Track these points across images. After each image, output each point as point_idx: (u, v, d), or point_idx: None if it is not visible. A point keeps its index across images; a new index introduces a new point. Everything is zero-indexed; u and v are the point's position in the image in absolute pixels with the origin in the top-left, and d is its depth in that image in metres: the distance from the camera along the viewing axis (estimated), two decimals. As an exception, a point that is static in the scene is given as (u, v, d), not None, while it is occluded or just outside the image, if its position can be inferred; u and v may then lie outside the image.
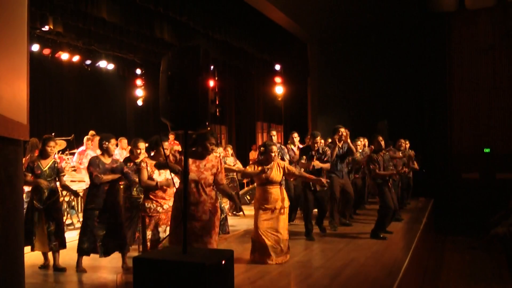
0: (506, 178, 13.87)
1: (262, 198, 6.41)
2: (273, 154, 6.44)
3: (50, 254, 6.31)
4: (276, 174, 6.42)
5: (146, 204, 5.91)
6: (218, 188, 5.34)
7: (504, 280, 9.27)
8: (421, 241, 8.83)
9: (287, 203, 6.49)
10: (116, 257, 6.28)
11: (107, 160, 6.22)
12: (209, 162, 5.23)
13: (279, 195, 6.41)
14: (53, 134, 10.96)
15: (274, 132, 9.65)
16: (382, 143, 8.48)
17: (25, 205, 6.10)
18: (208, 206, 5.16)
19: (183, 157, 5.25)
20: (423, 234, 9.16)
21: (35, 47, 13.13)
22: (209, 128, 4.11)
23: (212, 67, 14.13)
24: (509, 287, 8.81)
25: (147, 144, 6.51)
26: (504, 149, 14.10)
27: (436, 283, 9.11)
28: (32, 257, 6.28)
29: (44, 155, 6.37)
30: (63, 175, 6.59)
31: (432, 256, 11.08)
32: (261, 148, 6.66)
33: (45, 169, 6.28)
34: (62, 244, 6.30)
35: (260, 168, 6.42)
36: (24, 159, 8.40)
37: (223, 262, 3.67)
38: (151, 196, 5.89)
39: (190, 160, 5.17)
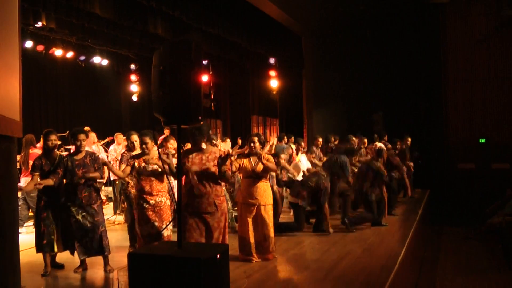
0: (502, 168, 13.91)
1: (247, 192, 6.12)
2: (252, 145, 6.16)
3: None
4: (261, 167, 6.13)
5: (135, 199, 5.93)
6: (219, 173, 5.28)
7: (500, 269, 9.31)
8: (417, 232, 8.85)
9: (271, 200, 6.22)
10: (111, 255, 6.24)
11: (78, 156, 5.96)
12: (211, 154, 5.22)
13: (264, 190, 6.14)
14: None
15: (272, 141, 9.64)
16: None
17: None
18: (213, 198, 5.12)
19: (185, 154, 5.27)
20: (419, 225, 9.19)
21: (29, 44, 13.05)
22: (202, 122, 4.10)
23: (206, 61, 14.10)
24: (505, 276, 8.85)
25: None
26: (500, 139, 14.12)
27: (433, 273, 9.15)
28: (27, 255, 6.21)
29: (47, 150, 6.10)
30: None
31: (429, 247, 11.13)
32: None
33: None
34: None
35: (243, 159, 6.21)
36: (18, 156, 8.36)
37: (218, 256, 3.68)
38: (138, 192, 5.87)
39: (194, 153, 5.18)
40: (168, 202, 5.85)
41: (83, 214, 5.82)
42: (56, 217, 6.00)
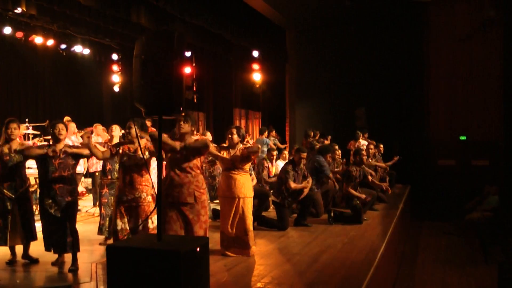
0: (481, 165, 14.08)
1: (226, 185, 6.01)
2: (230, 136, 6.09)
3: (17, 248, 5.97)
4: (242, 161, 6.04)
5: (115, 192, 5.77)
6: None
7: (477, 263, 9.43)
8: (398, 227, 8.90)
9: (250, 193, 6.10)
10: (90, 248, 6.16)
11: (59, 146, 5.73)
12: (190, 143, 5.16)
13: (244, 182, 6.02)
14: (27, 120, 10.78)
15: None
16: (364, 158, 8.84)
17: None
18: (193, 189, 5.06)
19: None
20: (399, 220, 9.24)
21: (7, 30, 12.79)
22: (183, 114, 4.05)
23: (189, 53, 14.01)
24: (483, 270, 8.95)
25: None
26: (480, 137, 14.28)
27: (412, 267, 9.22)
28: (2, 248, 6.01)
29: (8, 139, 5.85)
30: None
31: (409, 242, 11.21)
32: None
33: (13, 154, 5.81)
34: (33, 236, 5.94)
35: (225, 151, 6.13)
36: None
37: (198, 249, 3.64)
38: (118, 184, 5.70)
39: (177, 141, 5.13)
40: (150, 198, 5.61)
41: (56, 207, 5.58)
42: (15, 209, 5.80)
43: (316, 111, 15.61)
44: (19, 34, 13.51)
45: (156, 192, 3.80)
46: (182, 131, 5.20)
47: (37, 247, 5.95)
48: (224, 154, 6.11)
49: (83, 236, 5.98)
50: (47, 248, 5.73)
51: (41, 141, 11.03)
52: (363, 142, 12.27)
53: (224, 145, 6.25)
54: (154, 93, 3.70)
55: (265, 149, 12.28)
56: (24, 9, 10.97)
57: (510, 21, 13.59)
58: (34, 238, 5.97)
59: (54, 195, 5.58)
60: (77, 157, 5.79)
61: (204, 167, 8.98)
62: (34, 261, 5.94)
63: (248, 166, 6.22)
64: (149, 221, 5.59)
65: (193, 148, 5.19)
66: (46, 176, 5.61)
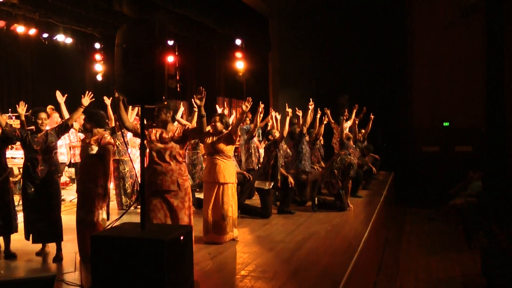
0: (465, 151, 14.23)
1: (208, 170, 6.08)
2: (217, 124, 6.15)
3: (0, 239, 5.86)
4: (223, 144, 6.09)
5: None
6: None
7: (461, 249, 9.56)
8: (382, 213, 8.98)
9: (232, 179, 6.11)
10: (74, 238, 6.11)
11: (38, 135, 5.66)
12: (172, 132, 5.15)
13: (225, 168, 6.04)
14: (10, 110, 10.66)
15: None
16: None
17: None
18: (176, 177, 5.06)
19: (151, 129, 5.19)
20: (383, 207, 9.32)
21: (-11, 20, 12.63)
22: (166, 102, 4.04)
23: (172, 42, 13.92)
24: (466, 255, 9.08)
25: None
26: (463, 123, 14.43)
27: (397, 253, 9.32)
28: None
29: None
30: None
31: (393, 228, 11.31)
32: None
33: None
34: (11, 228, 5.81)
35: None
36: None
37: (182, 237, 3.65)
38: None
39: (160, 130, 5.12)
40: (100, 190, 5.41)
41: (39, 196, 5.52)
42: None
43: (299, 99, 15.60)
44: (1, 23, 13.31)
45: (140, 181, 3.79)
46: (159, 119, 5.20)
47: (22, 237, 5.87)
48: (208, 140, 6.14)
49: (67, 225, 5.92)
50: (27, 237, 5.65)
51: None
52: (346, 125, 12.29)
53: (210, 131, 6.26)
54: (136, 82, 3.69)
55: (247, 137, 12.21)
56: (5, -2, 10.82)
57: (492, 8, 13.68)
58: (14, 230, 5.87)
59: (37, 177, 5.50)
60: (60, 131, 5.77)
61: (186, 154, 8.97)
62: (13, 256, 5.74)
63: (231, 151, 6.24)
64: (99, 212, 5.45)
65: (179, 135, 5.18)
66: (29, 159, 5.54)
